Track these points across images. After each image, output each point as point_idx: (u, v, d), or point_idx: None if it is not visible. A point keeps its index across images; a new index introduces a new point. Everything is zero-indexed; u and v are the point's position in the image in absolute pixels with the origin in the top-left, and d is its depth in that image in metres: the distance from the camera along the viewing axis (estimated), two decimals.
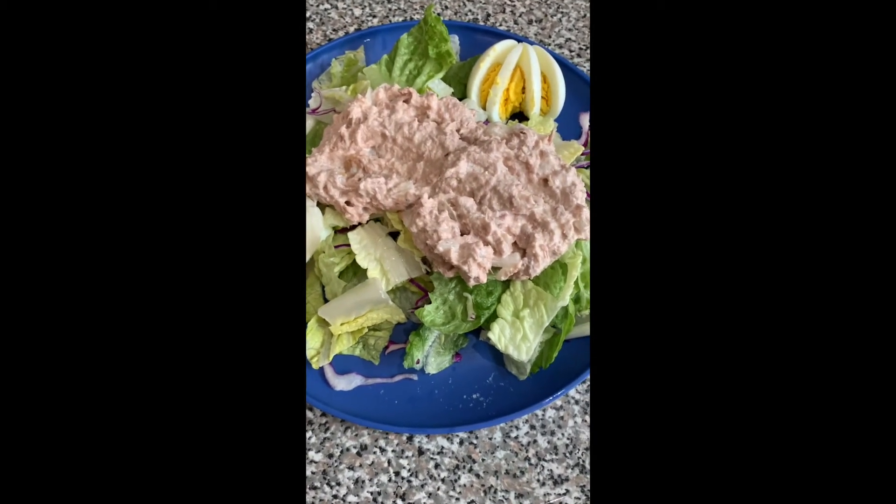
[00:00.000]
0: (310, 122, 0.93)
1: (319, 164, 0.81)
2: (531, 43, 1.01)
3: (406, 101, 0.85)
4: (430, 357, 0.82)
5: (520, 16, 1.20)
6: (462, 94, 1.00)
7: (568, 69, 1.01)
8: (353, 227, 0.83)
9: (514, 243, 0.76)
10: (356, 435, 0.81)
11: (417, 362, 0.81)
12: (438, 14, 1.16)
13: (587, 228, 0.77)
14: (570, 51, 1.16)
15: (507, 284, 0.79)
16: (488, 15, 1.20)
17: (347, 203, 0.81)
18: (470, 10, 1.20)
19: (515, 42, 0.99)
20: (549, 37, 1.17)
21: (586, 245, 0.81)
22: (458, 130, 0.84)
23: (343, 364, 0.83)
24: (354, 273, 0.84)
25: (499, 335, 0.78)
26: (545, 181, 0.79)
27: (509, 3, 1.22)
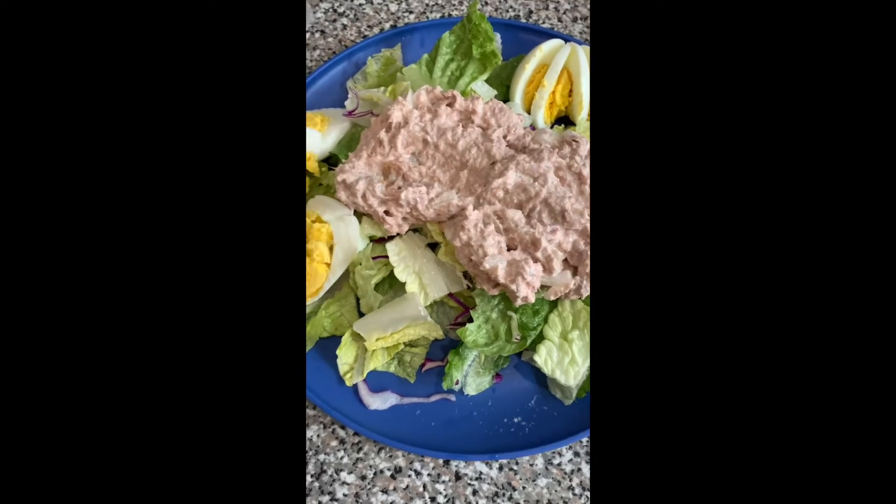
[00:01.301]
0: (346, 125, 0.88)
1: (357, 171, 0.77)
2: (579, 43, 0.95)
3: (449, 105, 0.80)
4: (470, 377, 0.78)
5: (564, 13, 1.14)
6: (504, 96, 0.95)
7: None
8: (390, 238, 0.79)
9: (565, 260, 0.71)
10: (390, 456, 0.77)
11: (456, 383, 0.76)
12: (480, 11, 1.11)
13: None
14: None
15: (554, 304, 0.74)
16: (530, 11, 1.14)
17: (386, 213, 0.76)
18: (511, 7, 1.14)
19: (563, 42, 0.93)
20: None
21: None
22: (504, 137, 0.78)
23: (377, 381, 0.79)
24: (391, 285, 0.80)
25: (545, 358, 0.73)
26: None
27: None
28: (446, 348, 0.80)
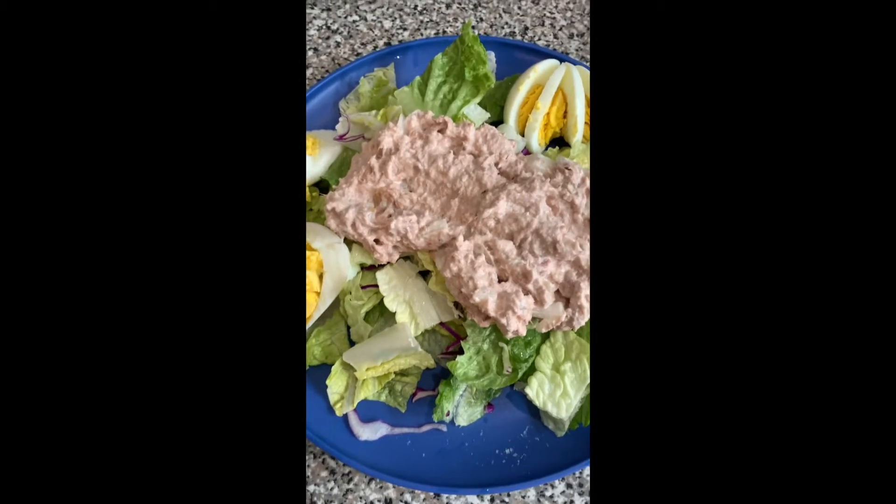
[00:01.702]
0: (337, 149, 0.87)
1: (347, 199, 0.76)
2: (575, 63, 0.94)
3: (441, 131, 0.79)
4: (461, 407, 0.77)
5: (560, 29, 1.13)
6: (498, 116, 0.93)
7: None
8: (381, 266, 0.78)
9: (557, 291, 0.70)
10: (381, 487, 0.76)
11: (447, 414, 0.75)
12: (474, 28, 1.10)
13: None
14: None
15: (546, 335, 0.73)
16: (526, 28, 1.13)
17: (376, 241, 0.75)
18: (507, 23, 1.13)
19: (558, 62, 0.92)
20: None
21: None
22: (496, 164, 0.77)
23: (368, 410, 0.78)
24: (381, 313, 0.79)
25: (537, 391, 0.72)
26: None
27: (549, 15, 1.15)
28: (438, 377, 0.79)
